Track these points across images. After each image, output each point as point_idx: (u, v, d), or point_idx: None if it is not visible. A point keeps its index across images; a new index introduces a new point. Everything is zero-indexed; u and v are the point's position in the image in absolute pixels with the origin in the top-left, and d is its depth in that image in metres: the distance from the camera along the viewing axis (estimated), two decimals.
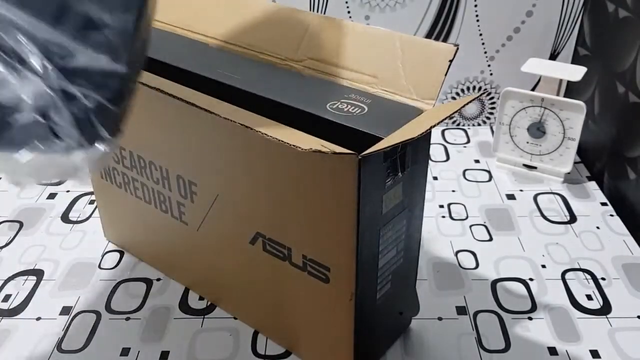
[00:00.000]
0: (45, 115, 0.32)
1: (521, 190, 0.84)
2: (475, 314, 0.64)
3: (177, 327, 0.62)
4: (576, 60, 0.95)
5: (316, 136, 0.44)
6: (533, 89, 0.96)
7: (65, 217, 0.79)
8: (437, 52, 0.49)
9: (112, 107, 0.33)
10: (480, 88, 0.98)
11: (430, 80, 0.49)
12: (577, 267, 0.70)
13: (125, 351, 0.60)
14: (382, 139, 0.45)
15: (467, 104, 0.44)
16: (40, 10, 0.32)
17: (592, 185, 0.85)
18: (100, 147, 0.33)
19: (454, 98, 1.00)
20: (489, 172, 0.88)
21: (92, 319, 0.64)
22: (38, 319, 0.64)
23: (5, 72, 0.31)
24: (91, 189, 0.84)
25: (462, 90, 0.99)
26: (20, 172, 0.33)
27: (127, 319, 0.64)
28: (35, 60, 0.32)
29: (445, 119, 0.42)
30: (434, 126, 0.41)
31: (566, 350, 0.59)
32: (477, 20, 0.92)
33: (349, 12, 0.92)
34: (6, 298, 0.66)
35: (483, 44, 0.94)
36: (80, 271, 0.70)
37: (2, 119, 0.31)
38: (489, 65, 0.96)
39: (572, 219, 0.78)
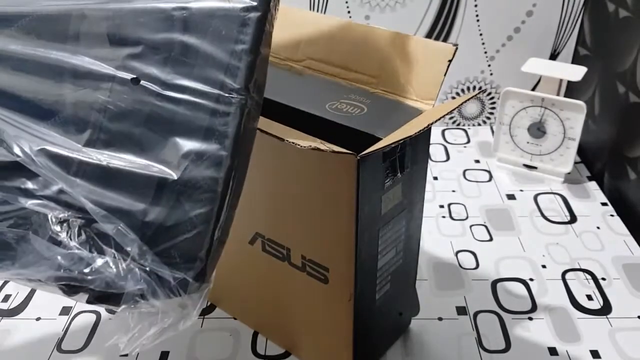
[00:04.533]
0: (142, 294, 0.37)
1: (521, 190, 0.84)
2: (476, 314, 0.64)
3: None
4: (576, 60, 0.95)
5: (315, 137, 0.44)
6: (533, 89, 0.96)
7: None
8: (436, 52, 0.49)
9: (198, 283, 0.38)
10: (480, 88, 0.98)
11: (429, 80, 0.49)
12: (578, 267, 0.70)
13: None
14: (381, 139, 0.45)
15: (464, 102, 0.44)
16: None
17: (593, 185, 0.85)
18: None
19: (454, 98, 1.00)
20: (489, 172, 0.88)
21: (92, 319, 0.64)
22: (38, 319, 0.64)
23: (110, 261, 0.38)
24: None
25: (462, 90, 0.99)
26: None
27: None
28: (133, 248, 0.37)
29: (441, 118, 0.42)
30: (431, 125, 0.41)
31: (566, 351, 0.59)
32: (477, 20, 0.92)
33: (349, 11, 0.92)
34: (6, 298, 0.66)
35: (483, 43, 0.94)
36: None
37: (106, 293, 0.38)
38: (489, 65, 0.96)
39: (573, 219, 0.78)
